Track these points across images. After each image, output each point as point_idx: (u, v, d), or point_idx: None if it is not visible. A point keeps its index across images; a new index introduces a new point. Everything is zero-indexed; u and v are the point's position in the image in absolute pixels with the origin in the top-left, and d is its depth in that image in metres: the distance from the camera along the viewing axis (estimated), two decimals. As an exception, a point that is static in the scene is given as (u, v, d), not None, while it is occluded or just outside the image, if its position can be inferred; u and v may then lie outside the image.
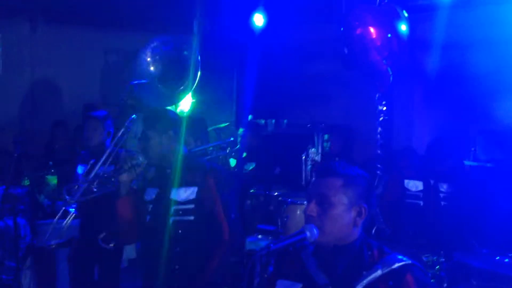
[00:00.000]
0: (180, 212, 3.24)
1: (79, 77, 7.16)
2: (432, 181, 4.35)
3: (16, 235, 4.18)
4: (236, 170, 4.98)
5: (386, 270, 2.13)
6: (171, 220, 3.24)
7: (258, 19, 5.79)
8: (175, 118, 3.41)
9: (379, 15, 4.02)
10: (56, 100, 7.06)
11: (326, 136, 5.43)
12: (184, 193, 3.26)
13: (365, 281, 2.13)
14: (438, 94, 6.03)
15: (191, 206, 3.25)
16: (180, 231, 3.24)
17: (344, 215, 2.20)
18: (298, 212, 4.54)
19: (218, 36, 6.62)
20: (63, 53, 7.05)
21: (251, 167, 5.40)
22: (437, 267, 3.74)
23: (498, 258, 3.42)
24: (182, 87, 5.01)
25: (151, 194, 3.34)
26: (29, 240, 4.72)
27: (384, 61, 3.95)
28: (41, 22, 6.95)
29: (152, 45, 5.12)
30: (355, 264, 2.17)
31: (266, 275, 2.18)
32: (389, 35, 4.11)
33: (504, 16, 5.50)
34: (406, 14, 4.26)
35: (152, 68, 5.08)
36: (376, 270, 2.14)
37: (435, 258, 3.77)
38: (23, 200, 4.76)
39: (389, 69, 3.98)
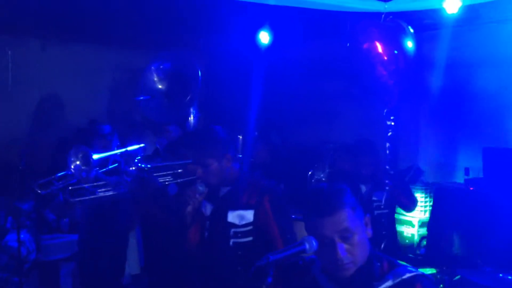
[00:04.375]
0: (239, 235, 3.25)
1: (87, 94, 7.22)
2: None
3: (19, 250, 4.20)
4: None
5: (397, 281, 2.15)
6: (231, 242, 3.26)
7: (264, 37, 5.85)
8: (228, 138, 3.39)
9: (385, 30, 4.05)
10: (64, 117, 7.11)
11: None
12: (241, 217, 3.26)
13: None
14: (444, 113, 6.04)
15: (249, 228, 3.26)
16: (240, 252, 3.26)
17: (364, 234, 2.23)
18: (303, 229, 4.52)
19: (225, 54, 6.68)
20: (71, 71, 7.11)
21: None
22: (441, 285, 3.73)
23: (501, 275, 3.40)
24: (185, 102, 5.06)
25: (206, 208, 3.35)
26: (34, 255, 4.75)
27: (390, 76, 3.97)
28: (50, 40, 7.03)
29: (155, 64, 5.20)
30: (365, 276, 2.17)
31: (264, 286, 2.19)
32: (396, 52, 4.13)
33: (509, 35, 5.53)
34: (412, 30, 4.28)
35: (160, 86, 5.15)
36: (387, 281, 2.16)
37: (438, 276, 3.76)
38: (30, 216, 4.79)
39: (395, 84, 4.00)
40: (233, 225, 3.26)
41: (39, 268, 4.82)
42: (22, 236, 4.43)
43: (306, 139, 6.99)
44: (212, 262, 3.35)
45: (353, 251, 2.16)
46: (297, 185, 5.63)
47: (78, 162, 3.93)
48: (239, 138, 5.23)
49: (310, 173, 5.87)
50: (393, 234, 4.63)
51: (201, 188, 3.22)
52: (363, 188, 4.47)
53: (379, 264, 2.22)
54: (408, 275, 2.16)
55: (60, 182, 4.11)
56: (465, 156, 5.82)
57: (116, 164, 4.31)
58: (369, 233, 2.25)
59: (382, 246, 4.34)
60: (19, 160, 4.00)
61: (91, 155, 3.94)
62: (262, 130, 5.93)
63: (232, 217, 3.27)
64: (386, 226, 4.48)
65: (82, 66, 7.18)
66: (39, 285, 4.85)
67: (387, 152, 4.06)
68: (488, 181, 5.05)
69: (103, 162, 4.28)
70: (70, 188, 4.02)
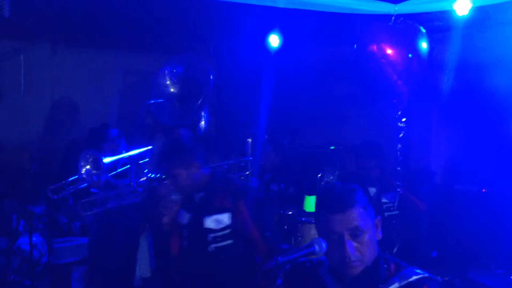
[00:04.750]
0: (219, 239, 3.30)
1: (98, 97, 7.26)
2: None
3: (31, 252, 4.22)
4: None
5: (403, 283, 2.14)
6: (211, 247, 3.28)
7: (274, 40, 5.85)
8: (193, 146, 3.42)
9: (395, 32, 4.03)
10: (75, 120, 7.16)
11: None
12: (218, 221, 3.30)
13: None
14: (455, 115, 6.01)
15: (228, 231, 3.30)
16: (222, 256, 3.29)
17: (373, 235, 2.23)
18: (312, 232, 4.54)
19: (234, 57, 6.69)
20: (82, 74, 7.16)
21: (276, 188, 5.45)
22: None
23: (512, 277, 3.38)
24: (197, 106, 5.07)
25: (184, 217, 3.38)
26: (46, 258, 4.77)
27: (401, 78, 3.96)
28: (61, 44, 7.08)
29: (168, 67, 5.22)
30: (371, 278, 2.17)
31: (274, 287, 2.20)
32: (410, 55, 4.10)
33: (520, 37, 5.49)
34: (424, 30, 4.25)
35: (172, 90, 5.17)
36: (393, 283, 2.15)
37: (449, 278, 3.74)
38: (42, 219, 4.82)
39: (407, 86, 3.98)
40: (210, 230, 3.29)
41: (51, 271, 4.84)
42: (34, 239, 4.46)
43: (316, 142, 6.98)
44: (194, 270, 3.35)
45: (362, 250, 2.16)
46: (307, 188, 5.61)
47: (88, 167, 3.95)
48: (248, 141, 5.24)
49: (319, 175, 5.86)
50: (405, 236, 4.60)
51: (174, 197, 3.27)
52: (373, 190, 4.46)
53: (386, 266, 2.22)
54: (414, 277, 2.15)
55: (71, 187, 4.14)
56: (476, 158, 5.78)
57: (125, 168, 4.33)
58: (378, 235, 2.25)
59: (395, 250, 4.33)
60: (31, 163, 4.03)
61: (102, 159, 3.96)
62: (272, 133, 5.93)
63: (209, 222, 3.31)
64: (397, 228, 4.47)
65: (93, 69, 7.22)
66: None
67: (398, 153, 4.04)
68: (500, 183, 5.03)
69: (111, 166, 4.30)
70: (82, 201, 4.05)
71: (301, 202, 5.17)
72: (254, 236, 3.30)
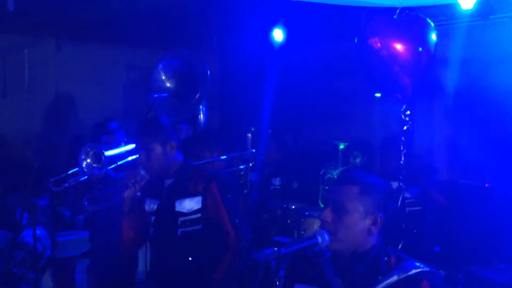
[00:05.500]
0: (188, 223, 3.27)
1: (102, 92, 7.28)
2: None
3: (35, 245, 4.22)
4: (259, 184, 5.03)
5: (402, 276, 2.14)
6: (179, 231, 3.26)
7: (278, 35, 5.85)
8: (174, 127, 3.43)
9: (399, 25, 4.00)
10: (79, 115, 7.17)
11: (356, 153, 5.39)
12: (189, 204, 3.28)
13: (380, 286, 2.14)
14: (459, 110, 5.99)
15: (198, 215, 3.28)
16: (189, 241, 3.27)
17: (358, 223, 2.21)
18: (315, 226, 4.54)
19: (238, 51, 6.69)
20: (86, 70, 7.17)
21: (278, 182, 5.46)
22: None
23: (515, 270, 3.37)
24: (195, 100, 5.07)
25: (151, 205, 3.35)
26: (49, 252, 4.77)
27: (405, 71, 3.94)
28: (65, 40, 7.09)
29: (163, 62, 5.22)
30: (371, 270, 2.18)
31: (277, 279, 2.21)
32: (420, 49, 4.06)
33: (524, 32, 5.47)
34: (431, 23, 4.21)
35: (168, 84, 5.16)
36: (392, 276, 2.15)
37: (452, 273, 3.72)
38: (45, 212, 4.82)
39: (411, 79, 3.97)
40: (180, 213, 3.26)
41: (54, 265, 4.84)
42: (38, 232, 4.44)
43: (319, 138, 6.97)
44: (160, 256, 3.34)
45: (337, 226, 2.20)
46: (310, 183, 5.62)
47: (89, 160, 3.95)
48: (248, 136, 5.25)
49: (322, 171, 5.86)
50: (425, 232, 4.55)
51: (142, 172, 3.22)
52: (395, 184, 4.40)
53: (386, 258, 2.22)
54: (414, 271, 2.15)
55: (72, 180, 4.14)
56: (480, 153, 5.76)
57: (125, 161, 4.32)
58: (372, 230, 2.23)
59: (400, 246, 4.31)
60: (35, 156, 4.03)
61: (103, 153, 3.96)
62: (275, 128, 5.92)
63: (180, 206, 3.28)
64: (417, 224, 4.44)
65: (97, 64, 7.23)
66: (54, 282, 4.87)
67: (402, 147, 4.03)
68: (504, 178, 5.02)
69: (112, 159, 4.29)
70: (89, 196, 4.05)
71: (304, 197, 5.19)
72: (224, 222, 3.29)
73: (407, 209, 4.40)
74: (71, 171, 4.02)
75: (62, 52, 7.10)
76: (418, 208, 4.52)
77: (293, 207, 4.95)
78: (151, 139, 3.28)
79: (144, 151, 3.26)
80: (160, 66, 5.10)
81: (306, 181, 5.65)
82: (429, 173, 5.14)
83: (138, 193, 3.25)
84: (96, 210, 4.01)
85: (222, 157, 4.45)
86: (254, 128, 5.47)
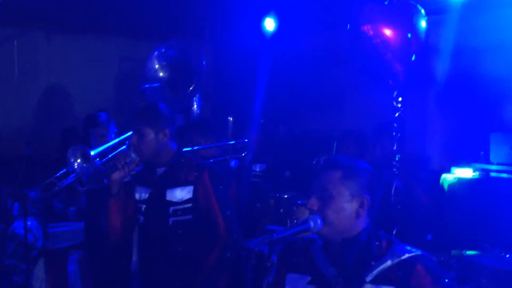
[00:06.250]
0: (179, 213, 3.25)
1: (93, 84, 7.23)
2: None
3: (26, 236, 4.20)
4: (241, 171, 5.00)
5: (395, 261, 2.14)
6: (170, 221, 3.25)
7: (270, 24, 5.83)
8: (171, 116, 3.40)
9: (389, 12, 3.99)
10: (70, 107, 7.14)
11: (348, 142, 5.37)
12: (180, 194, 3.26)
13: (374, 272, 2.15)
14: (451, 99, 6.00)
15: (189, 205, 3.26)
16: (180, 231, 3.25)
17: (345, 207, 2.21)
18: (308, 215, 4.53)
19: (230, 41, 6.67)
20: (77, 61, 7.13)
21: (258, 168, 5.42)
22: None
23: (508, 256, 3.38)
24: (189, 91, 5.05)
25: (142, 193, 3.33)
26: (41, 242, 4.76)
27: (396, 59, 3.93)
28: (55, 31, 7.05)
29: (158, 51, 5.18)
30: (363, 255, 2.18)
31: (269, 263, 2.20)
32: (409, 35, 4.04)
33: (517, 20, 5.47)
34: (422, 10, 4.20)
35: (161, 74, 5.13)
36: (385, 261, 2.15)
37: (444, 259, 3.72)
38: (36, 204, 4.80)
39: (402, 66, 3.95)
40: (171, 203, 3.24)
41: (46, 256, 4.83)
42: (29, 223, 4.44)
43: (311, 128, 6.97)
44: (150, 245, 3.32)
45: (325, 212, 2.20)
46: (303, 173, 5.61)
47: (79, 160, 3.91)
48: (229, 120, 5.21)
49: (315, 161, 5.85)
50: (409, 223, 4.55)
51: (133, 155, 3.20)
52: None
53: (377, 243, 2.21)
54: (407, 255, 2.15)
55: (61, 182, 4.10)
56: (472, 142, 5.78)
57: (116, 152, 4.27)
58: (359, 212, 2.22)
59: (394, 232, 4.30)
60: (25, 147, 4.00)
61: (89, 152, 3.91)
62: (267, 118, 5.91)
63: (171, 194, 3.26)
64: (401, 213, 4.43)
65: (87, 56, 7.19)
66: (46, 273, 4.85)
67: (394, 133, 4.02)
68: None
69: (102, 154, 4.24)
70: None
71: (296, 186, 5.18)
72: (215, 213, 3.27)
73: (393, 198, 4.39)
74: (59, 173, 3.97)
75: (52, 43, 7.06)
76: (403, 198, 4.51)
77: (286, 196, 4.94)
78: (145, 123, 3.25)
79: (137, 135, 3.24)
80: (155, 54, 5.06)
81: (299, 170, 5.64)
82: (420, 164, 5.13)
83: (127, 177, 3.23)
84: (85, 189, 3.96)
85: (216, 144, 4.44)
86: (232, 118, 5.42)
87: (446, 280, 2.17)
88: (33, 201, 4.66)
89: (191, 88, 5.14)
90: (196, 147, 4.17)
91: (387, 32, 3.99)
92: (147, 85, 5.15)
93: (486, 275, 3.25)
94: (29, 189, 4.71)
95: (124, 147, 4.06)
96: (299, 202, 4.69)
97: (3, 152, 6.18)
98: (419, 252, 2.18)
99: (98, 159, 4.08)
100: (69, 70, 7.09)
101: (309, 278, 2.25)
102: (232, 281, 3.51)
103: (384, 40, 4.00)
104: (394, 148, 3.99)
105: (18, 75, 6.81)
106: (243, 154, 4.85)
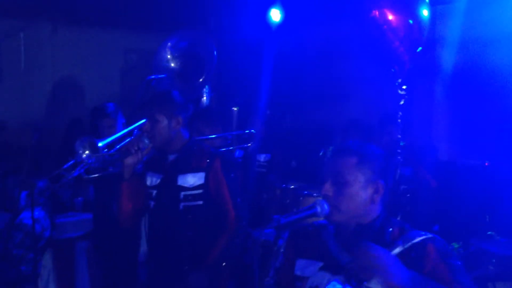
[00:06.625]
0: (190, 198, 3.27)
1: (99, 76, 7.24)
2: None
3: (33, 226, 4.22)
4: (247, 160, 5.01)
5: (407, 245, 2.13)
6: (181, 206, 3.27)
7: (275, 14, 5.81)
8: (184, 104, 3.42)
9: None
10: (77, 99, 7.15)
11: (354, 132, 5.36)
12: (192, 179, 3.28)
13: None
14: (457, 89, 5.98)
15: (200, 191, 3.28)
16: (190, 216, 3.27)
17: (360, 193, 2.20)
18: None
19: (236, 32, 6.65)
20: (83, 53, 7.13)
21: (263, 158, 5.42)
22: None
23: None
24: (199, 82, 5.04)
25: (153, 179, 3.35)
26: (48, 233, 4.77)
27: (401, 45, 3.90)
28: (62, 23, 7.05)
29: (171, 42, 5.16)
30: (376, 242, 2.15)
31: (276, 248, 2.20)
32: (411, 21, 4.02)
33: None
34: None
35: (172, 64, 5.12)
36: (397, 246, 2.13)
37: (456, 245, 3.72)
38: (44, 194, 4.81)
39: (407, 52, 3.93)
40: (183, 188, 3.26)
41: (54, 246, 4.85)
42: (36, 213, 4.45)
43: (317, 118, 6.96)
44: (159, 230, 3.34)
45: (340, 199, 2.19)
46: (309, 163, 5.61)
47: (87, 152, 3.91)
48: (234, 110, 5.20)
49: (322, 152, 5.85)
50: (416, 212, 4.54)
51: (146, 141, 3.22)
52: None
53: (391, 229, 2.21)
54: (418, 238, 2.15)
55: (70, 174, 4.10)
56: (479, 133, 5.76)
57: (124, 143, 4.28)
58: (375, 199, 2.22)
59: (398, 218, 4.30)
60: (32, 133, 4.01)
61: (97, 143, 3.91)
62: (274, 108, 5.90)
63: (182, 180, 3.28)
64: (410, 202, 4.43)
65: (94, 48, 7.19)
66: (54, 263, 4.88)
67: (399, 121, 4.01)
68: (503, 157, 5.02)
69: (110, 145, 4.24)
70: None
71: (302, 176, 5.17)
72: (225, 201, 3.29)
73: (402, 187, 4.38)
74: (66, 165, 3.98)
75: (58, 35, 7.06)
76: (412, 187, 4.50)
77: (292, 186, 4.94)
78: (158, 109, 3.28)
79: (150, 121, 3.26)
80: (168, 45, 5.04)
81: (305, 160, 5.63)
82: (426, 154, 5.12)
83: (140, 162, 3.25)
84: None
85: (222, 134, 4.44)
86: (237, 108, 5.42)
87: (459, 263, 2.15)
88: (40, 191, 4.67)
89: (201, 80, 5.13)
90: (201, 137, 4.16)
91: (392, 17, 3.97)
92: (152, 76, 5.14)
93: (492, 261, 3.24)
94: (36, 178, 4.74)
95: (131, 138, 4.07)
96: (305, 192, 4.68)
97: (10, 143, 6.20)
98: (430, 235, 2.17)
99: (106, 150, 4.08)
100: (75, 62, 7.10)
101: (321, 264, 2.24)
102: (238, 268, 3.53)
103: (391, 26, 3.98)
104: (399, 136, 3.96)
105: (25, 67, 6.82)
106: (249, 145, 4.85)
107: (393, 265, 1.99)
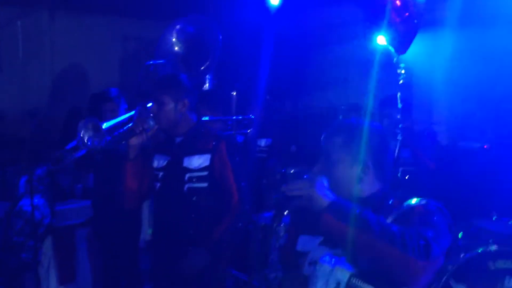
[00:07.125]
0: (194, 180, 3.27)
1: (98, 64, 7.23)
2: None
3: (33, 213, 4.21)
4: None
5: (400, 211, 2.10)
6: (186, 187, 3.27)
7: (274, -2, 5.76)
8: (191, 87, 3.41)
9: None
10: (75, 88, 7.13)
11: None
12: (197, 161, 3.29)
13: None
14: (457, 72, 5.95)
15: (205, 173, 3.28)
16: (194, 198, 3.27)
17: (345, 173, 2.18)
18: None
19: (234, 16, 6.61)
20: (81, 41, 7.11)
21: (264, 143, 5.41)
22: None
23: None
24: (203, 68, 5.01)
25: (160, 161, 3.36)
26: (48, 220, 4.77)
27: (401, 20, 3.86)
28: (59, 10, 7.02)
29: (177, 26, 5.11)
30: (376, 211, 2.11)
31: (275, 225, 2.20)
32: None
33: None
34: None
35: (176, 48, 5.07)
36: (392, 214, 2.11)
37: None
38: (43, 181, 4.80)
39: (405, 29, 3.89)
40: (188, 169, 3.27)
41: (54, 233, 4.85)
42: (36, 200, 4.44)
43: (317, 102, 6.95)
44: (164, 211, 3.35)
45: (327, 177, 2.16)
46: (309, 147, 5.60)
47: (89, 134, 3.89)
48: (232, 95, 5.17)
49: (322, 137, 5.82)
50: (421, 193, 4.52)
51: (151, 122, 3.22)
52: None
53: (390, 202, 2.19)
54: (412, 203, 2.10)
55: (71, 156, 4.09)
56: (479, 115, 5.74)
57: (126, 128, 4.27)
58: (363, 179, 2.19)
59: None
60: (31, 120, 4.00)
61: (101, 125, 3.90)
62: (273, 94, 5.88)
63: (188, 161, 3.29)
64: (409, 184, 4.41)
65: (92, 36, 7.17)
66: (54, 250, 4.88)
67: (398, 101, 3.98)
68: (502, 139, 5.00)
69: (112, 129, 4.23)
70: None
71: (303, 160, 5.16)
72: (230, 184, 3.29)
73: (401, 168, 4.37)
74: (68, 147, 3.96)
75: (56, 23, 7.04)
76: (411, 168, 4.49)
77: (292, 171, 4.92)
78: (164, 92, 3.27)
79: (156, 104, 3.26)
80: (177, 27, 4.99)
81: (305, 145, 5.62)
82: (425, 136, 5.11)
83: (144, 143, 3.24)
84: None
85: (221, 118, 4.42)
86: (236, 93, 5.39)
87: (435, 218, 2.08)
88: (39, 178, 4.66)
89: (205, 65, 5.09)
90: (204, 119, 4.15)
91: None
92: (151, 62, 5.11)
93: (493, 240, 3.23)
94: (36, 165, 4.73)
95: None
96: (305, 176, 4.66)
97: (8, 133, 6.19)
98: (424, 201, 2.13)
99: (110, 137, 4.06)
100: (74, 50, 7.08)
101: (320, 239, 2.24)
102: (240, 251, 3.53)
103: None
104: (398, 117, 3.94)
105: (23, 55, 6.80)
106: (248, 131, 4.83)
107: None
